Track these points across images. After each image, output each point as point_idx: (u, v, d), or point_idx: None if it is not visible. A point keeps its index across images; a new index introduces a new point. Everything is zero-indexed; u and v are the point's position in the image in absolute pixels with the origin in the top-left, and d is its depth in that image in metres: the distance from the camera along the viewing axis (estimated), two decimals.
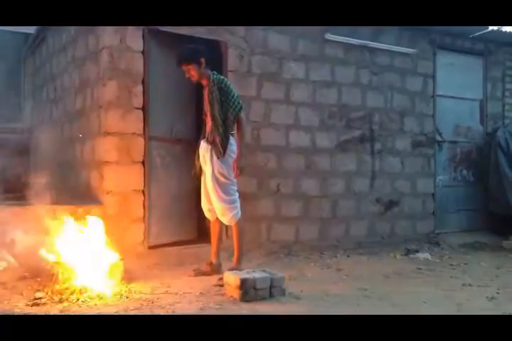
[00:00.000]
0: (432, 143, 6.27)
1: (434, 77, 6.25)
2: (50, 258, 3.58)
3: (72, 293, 3.22)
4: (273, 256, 4.84)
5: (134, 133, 4.44)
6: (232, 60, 4.96)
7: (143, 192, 4.45)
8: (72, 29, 5.24)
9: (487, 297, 3.53)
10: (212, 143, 3.85)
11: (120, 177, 4.36)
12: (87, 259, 3.46)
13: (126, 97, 4.41)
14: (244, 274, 3.34)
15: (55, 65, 5.94)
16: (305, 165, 5.36)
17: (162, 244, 4.61)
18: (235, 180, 3.89)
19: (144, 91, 4.46)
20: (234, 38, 4.96)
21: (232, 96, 3.84)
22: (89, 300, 3.17)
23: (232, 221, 3.87)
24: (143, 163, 4.47)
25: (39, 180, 6.62)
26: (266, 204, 5.09)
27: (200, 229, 4.98)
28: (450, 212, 6.44)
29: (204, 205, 3.99)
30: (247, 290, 3.22)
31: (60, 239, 3.58)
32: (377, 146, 5.84)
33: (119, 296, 3.29)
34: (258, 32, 5.09)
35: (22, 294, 3.29)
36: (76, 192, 4.98)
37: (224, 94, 3.82)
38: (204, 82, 3.93)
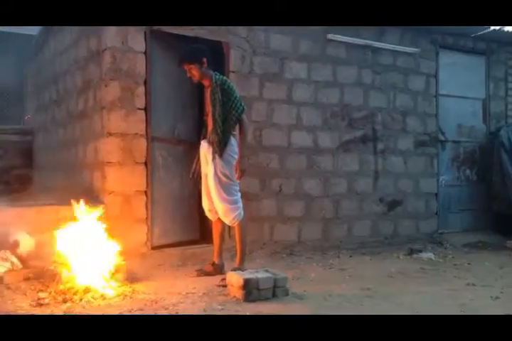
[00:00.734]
0: (435, 143, 6.26)
1: (436, 76, 6.24)
2: (54, 258, 3.59)
3: (75, 294, 3.22)
4: (276, 257, 4.84)
5: (136, 134, 4.44)
6: (234, 61, 4.96)
7: (145, 192, 4.46)
8: (74, 30, 5.25)
9: (491, 297, 3.51)
10: (212, 143, 3.85)
11: (123, 177, 4.36)
12: (90, 260, 3.47)
13: (128, 98, 4.42)
14: (247, 274, 3.34)
15: (58, 67, 5.95)
16: (307, 165, 5.36)
17: (165, 245, 4.62)
18: (237, 181, 3.89)
19: (146, 92, 4.47)
20: (236, 39, 4.96)
21: (235, 98, 3.84)
22: (92, 300, 3.17)
23: (235, 221, 3.87)
24: (145, 163, 4.47)
25: (42, 181, 6.64)
26: (268, 205, 5.09)
27: (202, 229, 4.99)
28: (453, 211, 6.42)
29: (205, 205, 3.99)
30: (250, 291, 3.22)
31: (63, 239, 3.59)
32: (380, 146, 5.83)
33: (122, 297, 3.29)
34: (260, 32, 5.09)
35: (26, 294, 3.29)
36: (79, 193, 4.98)
37: (226, 95, 3.82)
38: (206, 83, 3.92)
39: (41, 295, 3.23)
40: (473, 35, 6.35)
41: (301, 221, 5.28)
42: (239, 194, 3.91)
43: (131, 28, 4.41)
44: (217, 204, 3.84)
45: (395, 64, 5.95)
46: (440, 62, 6.28)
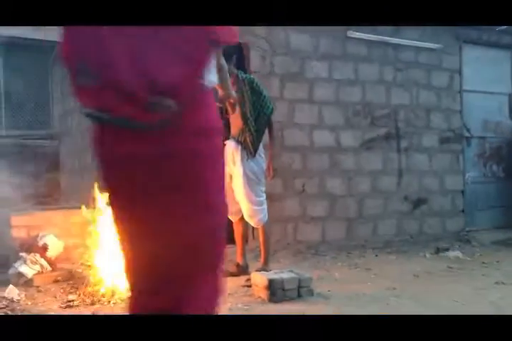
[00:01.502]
0: (460, 139, 6.16)
1: (460, 71, 6.14)
2: (82, 261, 3.66)
3: (103, 296, 3.28)
4: (300, 257, 4.83)
5: None
6: (254, 61, 4.97)
7: None
8: None
9: None
10: (242, 143, 3.84)
11: None
12: (117, 261, 3.52)
13: None
14: (272, 275, 3.35)
15: None
16: (330, 164, 5.34)
17: None
18: (264, 181, 3.89)
19: None
20: (255, 39, 4.97)
21: (264, 97, 3.85)
22: (120, 301, 3.22)
23: (260, 223, 3.87)
24: None
25: (69, 185, 6.76)
26: (292, 205, 5.09)
27: (226, 230, 5.00)
28: (481, 208, 6.31)
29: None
30: (275, 291, 3.22)
31: (90, 241, 3.66)
32: (404, 144, 5.77)
33: None
34: (279, 32, 5.09)
35: (55, 297, 3.37)
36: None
37: (255, 94, 3.82)
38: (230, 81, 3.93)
39: (70, 297, 3.30)
40: (497, 29, 6.23)
41: (324, 220, 5.26)
42: (264, 195, 3.91)
43: None
44: (244, 205, 3.83)
45: (417, 60, 5.88)
46: (464, 58, 6.18)
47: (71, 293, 3.41)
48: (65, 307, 3.12)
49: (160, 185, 1.41)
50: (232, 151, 3.89)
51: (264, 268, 3.81)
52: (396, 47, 5.71)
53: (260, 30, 4.97)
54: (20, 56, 7.48)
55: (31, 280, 3.60)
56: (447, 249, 5.19)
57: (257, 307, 3.11)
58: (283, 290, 3.24)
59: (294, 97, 5.16)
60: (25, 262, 3.65)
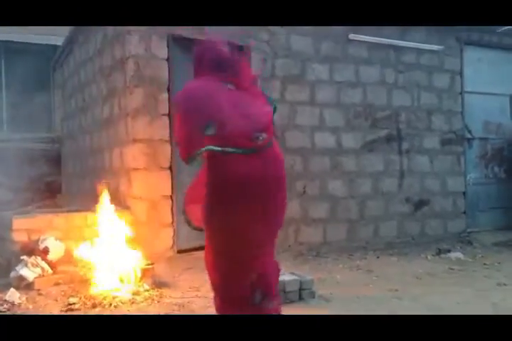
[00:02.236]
0: (462, 141, 6.16)
1: (461, 73, 6.14)
2: (83, 264, 3.66)
3: (104, 299, 3.28)
4: (301, 259, 4.82)
5: (160, 140, 4.50)
6: (255, 64, 4.97)
7: (171, 197, 4.50)
8: (99, 40, 5.35)
9: None
10: None
11: (148, 183, 4.43)
12: (119, 264, 3.53)
13: (152, 104, 4.48)
14: None
15: (83, 76, 6.07)
16: (331, 166, 5.34)
17: (191, 248, 4.65)
18: None
19: (169, 98, 4.52)
20: (257, 42, 4.97)
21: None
22: (121, 305, 3.22)
23: None
24: (170, 168, 4.52)
25: (70, 188, 6.77)
26: (293, 207, 5.08)
27: None
28: (482, 210, 6.30)
29: None
30: None
31: (91, 245, 3.66)
32: (405, 145, 5.77)
33: (150, 301, 3.33)
34: (281, 35, 5.10)
35: (56, 300, 3.37)
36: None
37: None
38: None
39: (71, 300, 3.29)
40: (498, 31, 6.23)
41: (326, 222, 5.26)
42: None
43: (154, 35, 4.47)
44: None
45: (419, 62, 5.88)
46: (465, 59, 6.18)
47: (72, 296, 3.40)
48: (66, 311, 3.12)
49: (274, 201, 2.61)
50: None
51: None
52: (397, 49, 5.72)
53: (261, 33, 4.98)
54: (22, 60, 7.51)
55: (32, 283, 3.59)
56: (449, 251, 5.18)
57: None
58: (284, 292, 3.24)
59: (296, 99, 5.17)
60: (26, 265, 3.65)
